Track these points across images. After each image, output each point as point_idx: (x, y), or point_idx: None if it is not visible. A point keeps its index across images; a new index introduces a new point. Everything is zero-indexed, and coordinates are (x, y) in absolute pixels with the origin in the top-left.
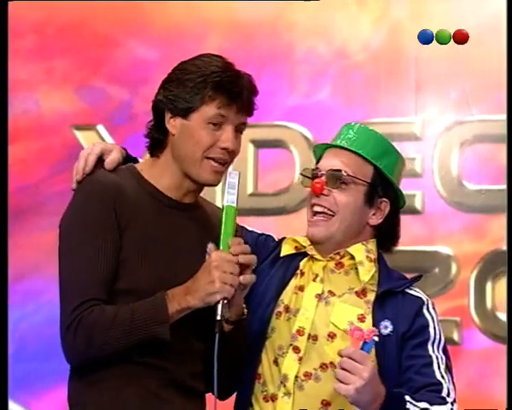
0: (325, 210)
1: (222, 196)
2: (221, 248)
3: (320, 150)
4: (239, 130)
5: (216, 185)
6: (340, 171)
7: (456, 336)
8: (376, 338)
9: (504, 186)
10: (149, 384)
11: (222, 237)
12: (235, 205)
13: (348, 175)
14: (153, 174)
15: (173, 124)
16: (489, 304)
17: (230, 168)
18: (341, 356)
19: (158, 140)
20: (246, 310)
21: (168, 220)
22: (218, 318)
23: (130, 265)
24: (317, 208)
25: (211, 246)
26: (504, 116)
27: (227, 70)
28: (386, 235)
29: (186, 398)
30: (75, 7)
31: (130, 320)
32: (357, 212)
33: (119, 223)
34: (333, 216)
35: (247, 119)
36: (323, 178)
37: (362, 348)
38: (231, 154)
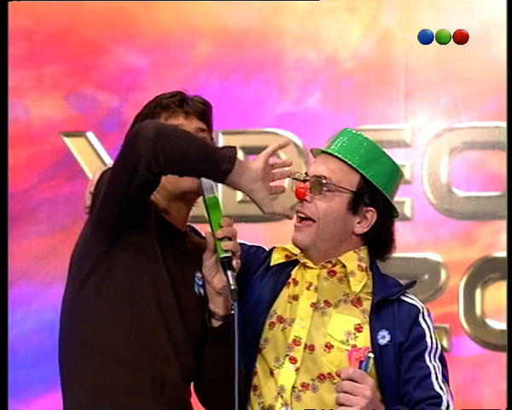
0: (307, 217)
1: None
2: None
3: (317, 154)
4: (203, 137)
5: (191, 192)
6: (321, 178)
7: (445, 343)
8: (371, 354)
9: (494, 193)
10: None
11: (212, 221)
12: (215, 195)
13: (330, 183)
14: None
15: None
16: (478, 311)
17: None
18: (340, 378)
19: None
20: (233, 306)
21: (171, 247)
22: (233, 287)
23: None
24: (300, 214)
25: (199, 275)
26: (494, 123)
27: (169, 93)
28: (377, 243)
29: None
30: (64, 14)
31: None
32: (340, 220)
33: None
34: (314, 223)
35: (212, 126)
36: (308, 183)
37: (360, 368)
38: None
